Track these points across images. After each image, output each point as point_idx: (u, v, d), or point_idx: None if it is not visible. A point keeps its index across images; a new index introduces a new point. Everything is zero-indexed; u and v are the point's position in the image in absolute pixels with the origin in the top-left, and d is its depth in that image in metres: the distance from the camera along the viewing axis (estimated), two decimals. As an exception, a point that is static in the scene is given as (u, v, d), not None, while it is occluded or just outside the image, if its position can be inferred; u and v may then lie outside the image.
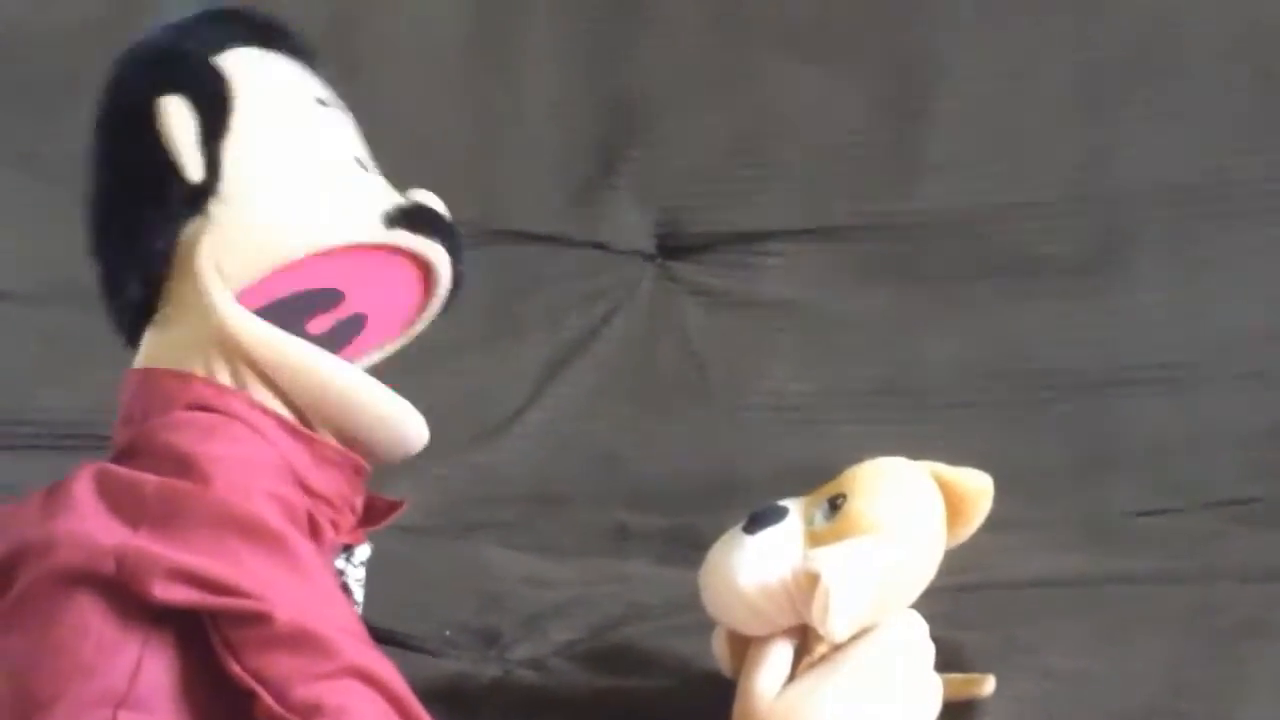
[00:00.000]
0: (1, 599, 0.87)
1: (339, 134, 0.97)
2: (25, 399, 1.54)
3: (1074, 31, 1.55)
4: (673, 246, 1.59)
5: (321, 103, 0.97)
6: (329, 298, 0.92)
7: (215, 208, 0.91)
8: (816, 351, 1.53)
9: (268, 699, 0.82)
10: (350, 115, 0.99)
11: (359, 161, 0.96)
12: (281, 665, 0.82)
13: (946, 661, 0.97)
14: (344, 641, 0.83)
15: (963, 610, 1.04)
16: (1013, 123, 1.54)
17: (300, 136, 0.94)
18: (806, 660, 0.93)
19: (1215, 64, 1.52)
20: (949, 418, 1.46)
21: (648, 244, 1.59)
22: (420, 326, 0.99)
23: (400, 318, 0.97)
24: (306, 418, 0.91)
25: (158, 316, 0.94)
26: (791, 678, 0.93)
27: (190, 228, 0.91)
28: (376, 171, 0.98)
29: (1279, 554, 1.20)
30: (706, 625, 0.99)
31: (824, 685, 0.91)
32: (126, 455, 0.90)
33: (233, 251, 0.90)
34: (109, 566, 0.84)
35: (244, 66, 0.94)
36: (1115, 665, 1.01)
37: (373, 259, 0.94)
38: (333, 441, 0.92)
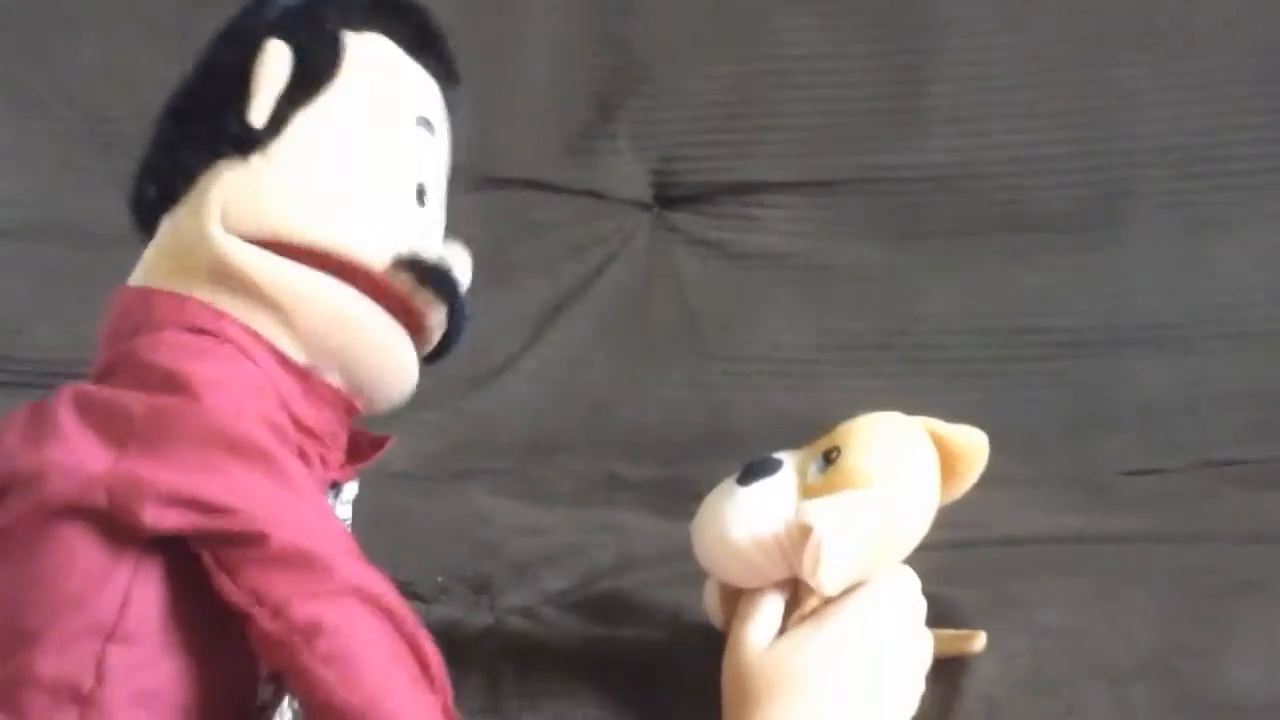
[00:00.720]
0: None
1: (417, 159, 0.95)
2: (19, 335, 1.54)
3: (1077, -10, 1.54)
4: (670, 196, 1.59)
5: (423, 123, 0.95)
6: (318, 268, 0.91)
7: (256, 158, 0.90)
8: (812, 304, 1.53)
9: (264, 617, 0.80)
10: (447, 145, 0.98)
11: (420, 192, 0.94)
12: (279, 584, 0.81)
13: (938, 617, 0.97)
14: (341, 559, 0.82)
15: (955, 566, 1.04)
16: (1015, 79, 1.54)
17: (373, 143, 0.93)
18: (797, 614, 0.93)
19: (1220, 24, 1.52)
20: (944, 373, 1.46)
21: (645, 193, 1.59)
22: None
23: None
24: (304, 350, 0.90)
25: (163, 232, 0.93)
26: (782, 631, 0.93)
27: (224, 163, 0.90)
28: (437, 209, 0.96)
29: (1272, 515, 1.21)
30: (698, 576, 0.99)
31: (814, 638, 0.91)
32: (109, 374, 0.88)
33: (249, 201, 0.89)
34: (100, 498, 0.82)
35: (369, 55, 0.94)
36: (1107, 622, 1.01)
37: (365, 282, 0.91)
38: (327, 379, 0.91)
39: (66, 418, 0.85)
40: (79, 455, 0.84)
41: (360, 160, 0.92)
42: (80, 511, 0.83)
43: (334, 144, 0.91)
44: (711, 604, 0.98)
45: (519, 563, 1.20)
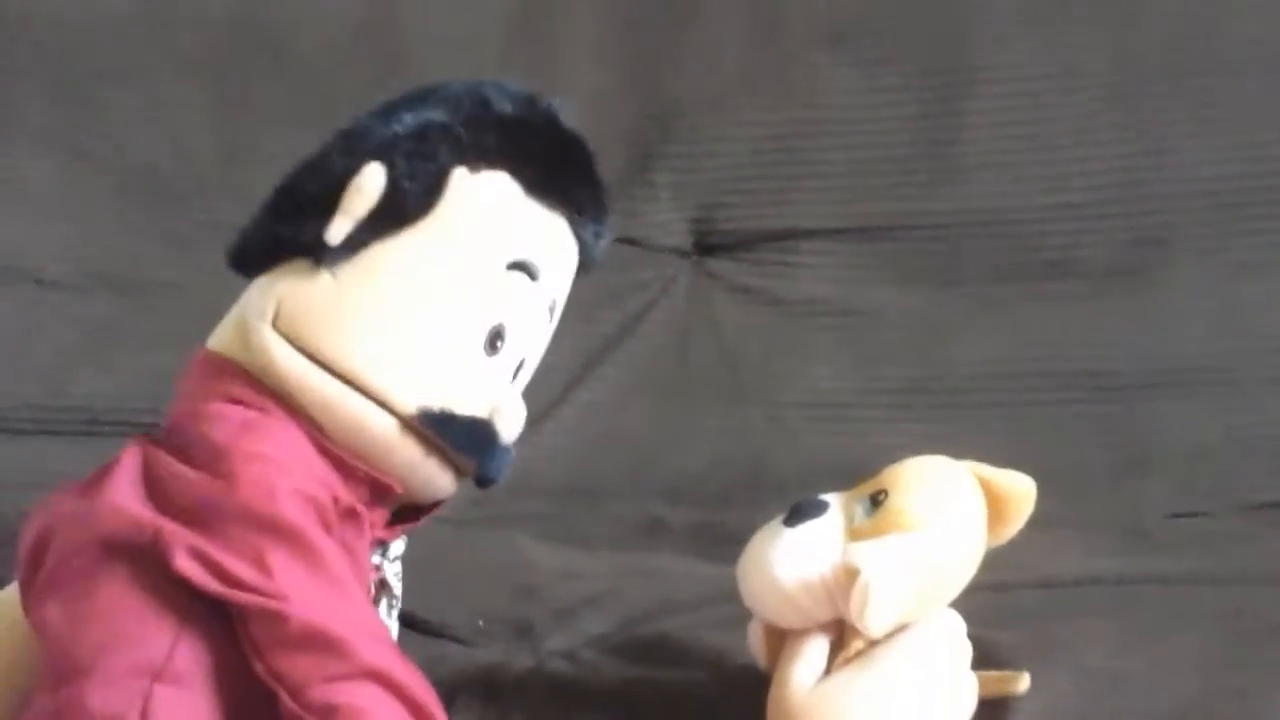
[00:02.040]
0: (40, 568, 0.88)
1: (498, 305, 0.93)
2: (63, 384, 1.55)
3: (1113, 34, 1.55)
4: (709, 244, 1.59)
5: (520, 267, 0.94)
6: None
7: (324, 273, 0.90)
8: (851, 350, 1.53)
9: (285, 698, 0.82)
10: (555, 290, 0.97)
11: (495, 336, 0.93)
12: (298, 665, 0.82)
13: (981, 659, 0.97)
14: (362, 643, 0.83)
15: (998, 608, 1.04)
16: (1050, 125, 1.54)
17: (443, 290, 0.92)
18: (842, 655, 0.93)
19: (1255, 67, 1.52)
20: (983, 418, 1.46)
21: (684, 241, 1.59)
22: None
23: None
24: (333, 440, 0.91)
25: (241, 301, 0.94)
26: (826, 673, 0.93)
27: (297, 261, 0.91)
28: (514, 354, 0.95)
29: (1313, 558, 1.20)
30: (739, 619, 0.99)
31: (859, 681, 0.91)
32: (169, 438, 0.91)
33: (300, 310, 0.90)
34: (148, 537, 0.84)
35: (475, 198, 0.92)
36: (1149, 665, 1.00)
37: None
38: (361, 465, 0.91)
39: (130, 469, 0.88)
40: (133, 502, 0.86)
41: (423, 305, 0.91)
42: (130, 551, 0.85)
43: (401, 283, 0.91)
44: (756, 644, 0.98)
45: (560, 606, 1.20)
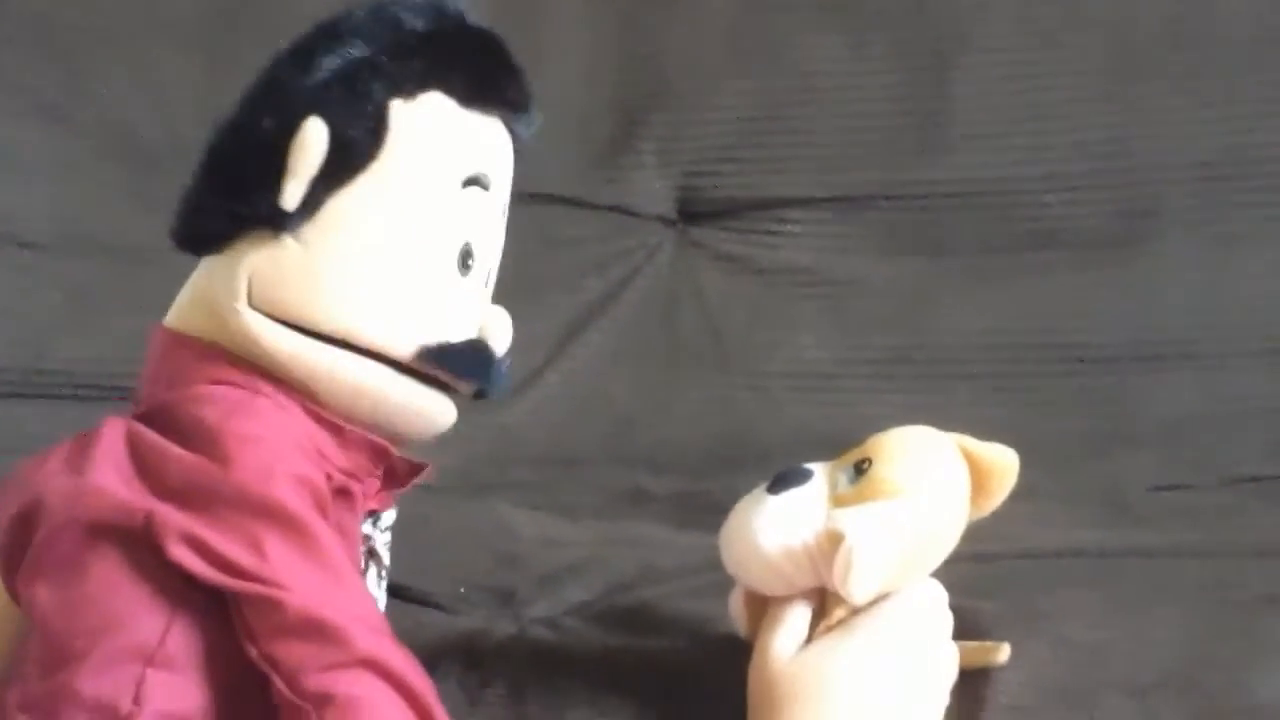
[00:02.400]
0: (25, 549, 0.87)
1: (463, 223, 0.92)
2: (45, 349, 1.55)
3: (1104, 7, 1.54)
4: (694, 212, 1.59)
5: (474, 181, 0.92)
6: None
7: (288, 238, 0.89)
8: (836, 320, 1.53)
9: (280, 684, 0.81)
10: (504, 192, 0.96)
11: (465, 254, 0.92)
12: (293, 652, 0.81)
13: (962, 629, 0.96)
14: (358, 631, 0.82)
15: (979, 578, 1.04)
16: (1040, 95, 1.54)
17: (411, 223, 0.90)
18: (824, 624, 0.92)
19: (1246, 39, 1.52)
20: (968, 388, 1.46)
21: (669, 209, 1.59)
22: None
23: None
24: (334, 410, 0.90)
25: (197, 280, 0.93)
26: (808, 641, 0.93)
27: (258, 233, 0.89)
28: (484, 265, 0.95)
29: (1298, 531, 1.20)
30: (721, 587, 0.99)
31: (840, 648, 0.91)
32: (153, 421, 0.89)
33: (277, 283, 0.89)
34: (138, 521, 0.83)
35: (416, 126, 0.90)
36: (1131, 636, 1.00)
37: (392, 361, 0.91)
38: (356, 429, 0.91)
39: (114, 448, 0.86)
40: (118, 484, 0.85)
41: (395, 245, 0.90)
42: (120, 535, 0.84)
43: (367, 229, 0.89)
44: (737, 612, 0.98)
45: (542, 574, 1.20)
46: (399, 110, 0.90)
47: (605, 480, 1.42)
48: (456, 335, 0.92)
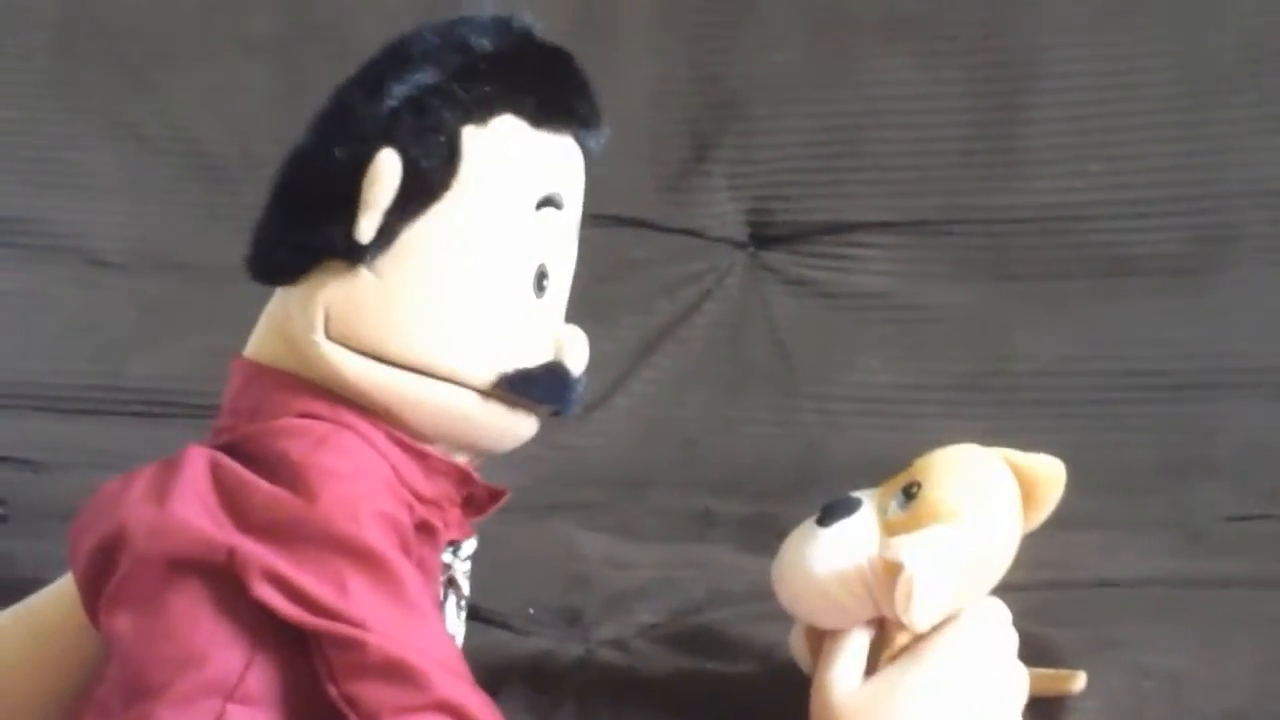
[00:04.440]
0: (108, 577, 0.86)
1: (536, 245, 0.91)
2: (121, 366, 1.56)
3: (1180, 33, 1.53)
4: (764, 235, 1.59)
5: (548, 202, 0.91)
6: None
7: (364, 270, 0.88)
8: (905, 344, 1.53)
9: None
10: (577, 209, 0.94)
11: (539, 279, 0.91)
12: (372, 694, 0.82)
13: (1036, 656, 0.96)
14: (437, 674, 0.82)
15: (1053, 607, 1.03)
16: (1114, 121, 1.53)
17: (486, 252, 0.89)
18: (887, 653, 0.92)
19: (1322, 66, 1.50)
20: (1039, 414, 1.45)
21: (740, 232, 1.59)
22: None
23: None
24: (418, 435, 0.90)
25: (276, 310, 0.92)
26: (870, 670, 0.92)
27: (330, 265, 0.88)
28: (559, 285, 0.94)
29: (1372, 562, 1.19)
30: (787, 612, 0.99)
31: (907, 677, 0.90)
32: (236, 452, 0.88)
33: (354, 314, 0.88)
34: (221, 557, 0.83)
35: (488, 150, 0.89)
36: (1207, 667, 0.99)
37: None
38: (441, 454, 0.91)
39: (199, 480, 0.86)
40: (204, 518, 0.85)
41: (470, 273, 0.89)
42: (203, 569, 0.84)
43: (442, 259, 0.88)
44: (798, 649, 0.98)
45: (610, 596, 1.20)
46: (471, 137, 0.89)
47: (673, 503, 1.42)
48: (533, 359, 0.91)
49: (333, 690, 0.82)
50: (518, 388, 0.90)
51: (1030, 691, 0.93)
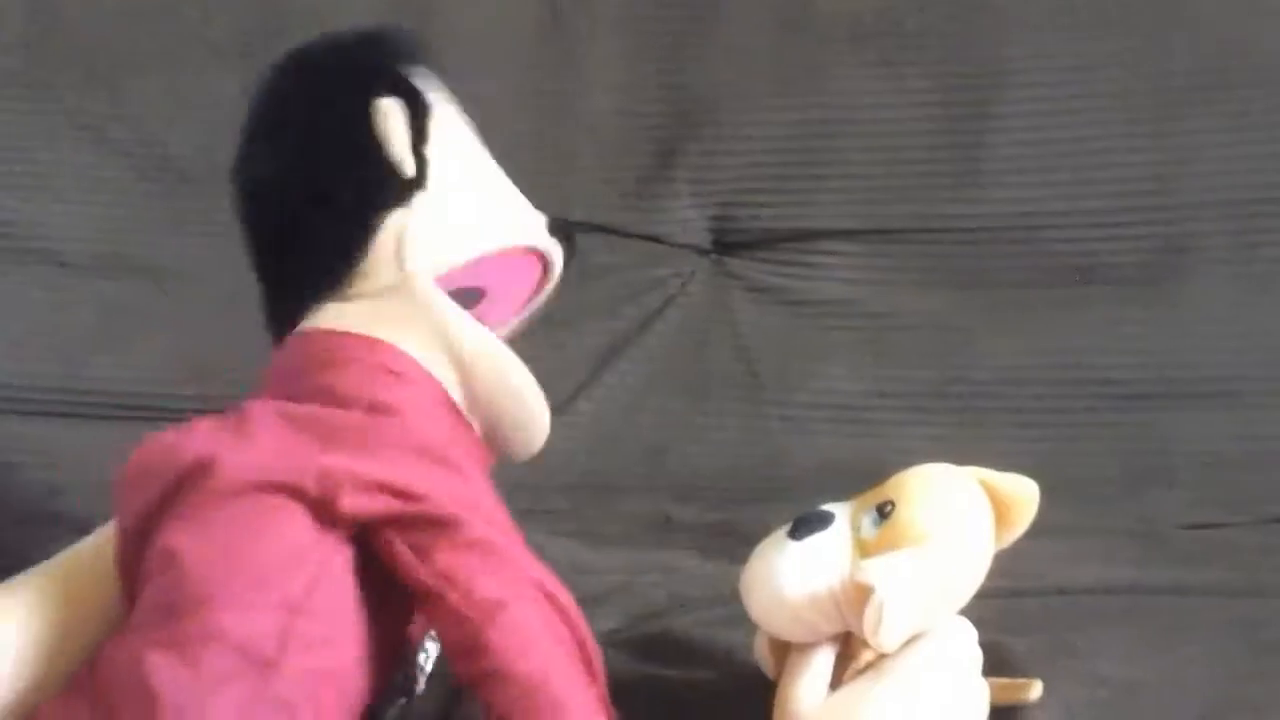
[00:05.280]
0: (175, 505, 0.89)
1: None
2: (80, 367, 1.55)
3: (1144, 42, 1.54)
4: (729, 242, 1.59)
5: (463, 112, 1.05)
6: (472, 296, 0.99)
7: (419, 202, 0.98)
8: (869, 352, 1.53)
9: (454, 596, 0.86)
10: None
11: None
12: (470, 564, 0.87)
13: (994, 665, 0.96)
14: (525, 557, 0.89)
15: (1012, 615, 1.04)
16: (1078, 131, 1.53)
17: (473, 146, 1.03)
18: (853, 667, 0.92)
19: (1283, 79, 1.51)
20: (1002, 423, 1.45)
21: (704, 239, 1.59)
22: (523, 317, 1.07)
23: (515, 307, 1.05)
24: (466, 401, 0.96)
25: (347, 291, 0.98)
26: (835, 684, 0.92)
27: (394, 217, 0.97)
28: None
29: (1332, 571, 1.20)
30: (748, 618, 0.99)
31: (872, 693, 0.90)
32: (302, 395, 0.94)
33: (431, 238, 0.98)
34: (310, 484, 0.88)
35: (421, 82, 1.02)
36: (1163, 675, 1.00)
37: (520, 258, 1.03)
38: (476, 434, 0.97)
39: (273, 420, 0.92)
40: (289, 446, 0.90)
41: (479, 165, 1.02)
42: (282, 493, 0.88)
43: (459, 160, 1.01)
44: (762, 655, 0.98)
45: (571, 601, 1.20)
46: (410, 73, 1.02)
47: (636, 508, 1.42)
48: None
49: (423, 571, 0.87)
50: (560, 230, 1.04)
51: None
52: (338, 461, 0.88)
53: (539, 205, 1.53)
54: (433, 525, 0.87)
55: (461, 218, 0.99)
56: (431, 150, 0.99)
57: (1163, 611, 1.12)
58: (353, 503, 0.87)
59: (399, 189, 0.98)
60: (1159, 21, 1.53)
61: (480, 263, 0.99)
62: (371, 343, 0.95)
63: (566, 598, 0.89)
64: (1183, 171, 1.51)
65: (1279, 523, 1.32)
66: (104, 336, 1.57)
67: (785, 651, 0.96)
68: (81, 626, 0.94)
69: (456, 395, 0.95)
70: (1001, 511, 0.96)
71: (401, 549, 0.87)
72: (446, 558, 0.87)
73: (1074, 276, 1.51)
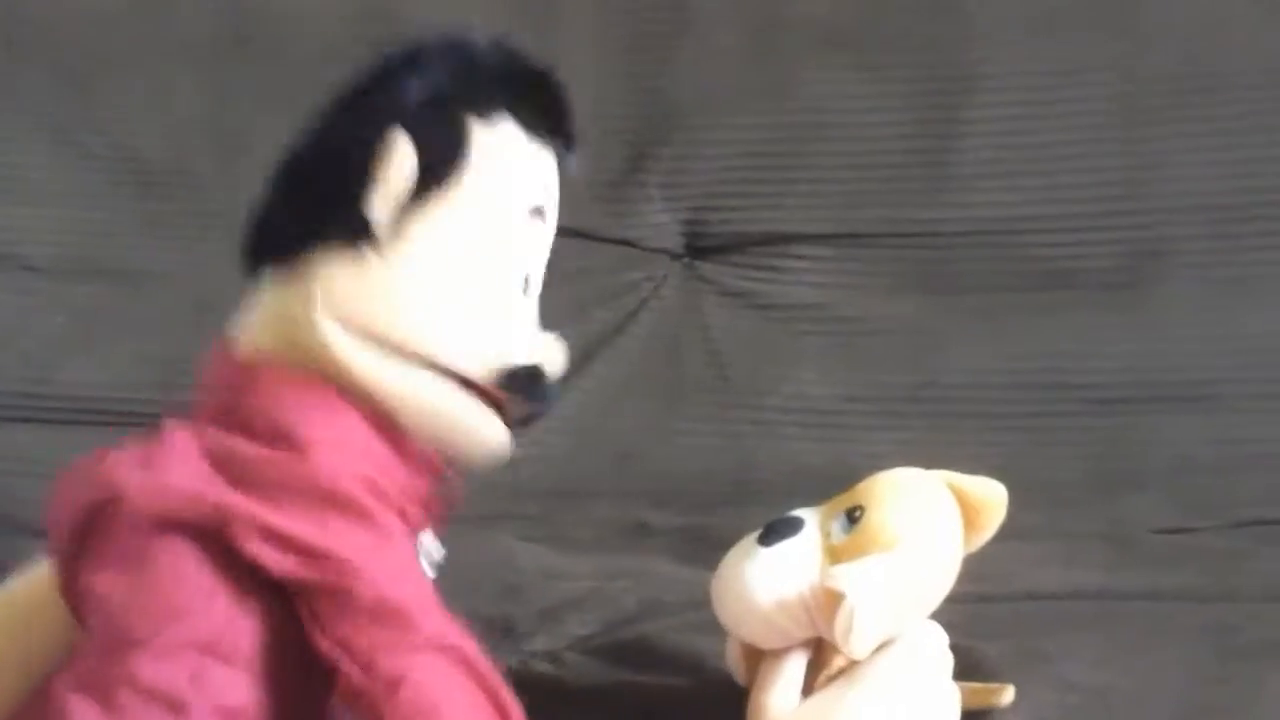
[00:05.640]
0: (90, 542, 0.87)
1: (526, 251, 0.94)
2: (49, 372, 1.55)
3: (1115, 45, 1.54)
4: (701, 246, 1.59)
5: (536, 212, 0.95)
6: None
7: (370, 255, 0.89)
8: (841, 357, 1.53)
9: (353, 669, 0.83)
10: (554, 220, 0.98)
11: (525, 281, 0.95)
12: (367, 636, 0.83)
13: (965, 670, 0.96)
14: (426, 614, 0.84)
15: (983, 620, 1.04)
16: (1049, 136, 1.54)
17: (488, 248, 0.92)
18: (824, 674, 0.92)
19: (1255, 85, 1.52)
20: (973, 427, 1.46)
21: (676, 243, 1.59)
22: None
23: None
24: (398, 422, 0.91)
25: (268, 298, 0.92)
26: (807, 691, 0.92)
27: (338, 249, 0.89)
28: (537, 288, 0.96)
29: (1301, 575, 1.20)
30: (724, 627, 0.99)
31: (844, 700, 0.90)
32: (224, 418, 0.90)
33: (357, 299, 0.89)
34: (212, 515, 0.85)
35: (493, 149, 0.92)
36: (1134, 679, 1.00)
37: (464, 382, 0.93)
38: (419, 446, 0.92)
39: (190, 451, 0.88)
40: (199, 481, 0.86)
41: (473, 267, 0.91)
42: (191, 529, 0.85)
43: (449, 248, 0.90)
44: (734, 662, 0.98)
45: (544, 607, 1.20)
46: (479, 132, 0.91)
47: (608, 513, 1.42)
48: (521, 360, 0.93)
49: (324, 642, 0.83)
50: (513, 383, 0.92)
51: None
52: (244, 504, 0.85)
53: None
54: (330, 590, 0.84)
55: (408, 309, 0.89)
56: (424, 220, 0.90)
57: (1133, 616, 1.12)
58: (252, 548, 0.84)
59: (353, 227, 0.89)
60: (1131, 27, 1.54)
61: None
62: (287, 368, 0.90)
63: (473, 648, 0.85)
64: (1155, 176, 1.52)
65: (1249, 527, 1.33)
66: (74, 341, 1.57)
67: (757, 658, 0.95)
68: (24, 658, 0.92)
69: (388, 419, 0.90)
70: (970, 515, 0.96)
71: (302, 612, 0.85)
72: (343, 627, 0.83)
73: (1046, 282, 1.51)
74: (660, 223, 1.58)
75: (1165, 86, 1.53)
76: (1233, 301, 1.48)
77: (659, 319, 1.57)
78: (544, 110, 0.96)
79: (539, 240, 0.96)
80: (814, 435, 1.49)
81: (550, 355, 0.96)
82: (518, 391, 0.93)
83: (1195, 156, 1.51)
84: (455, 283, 0.91)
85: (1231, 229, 1.49)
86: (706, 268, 1.58)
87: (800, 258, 1.56)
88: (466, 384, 0.91)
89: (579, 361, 1.54)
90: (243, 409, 0.89)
